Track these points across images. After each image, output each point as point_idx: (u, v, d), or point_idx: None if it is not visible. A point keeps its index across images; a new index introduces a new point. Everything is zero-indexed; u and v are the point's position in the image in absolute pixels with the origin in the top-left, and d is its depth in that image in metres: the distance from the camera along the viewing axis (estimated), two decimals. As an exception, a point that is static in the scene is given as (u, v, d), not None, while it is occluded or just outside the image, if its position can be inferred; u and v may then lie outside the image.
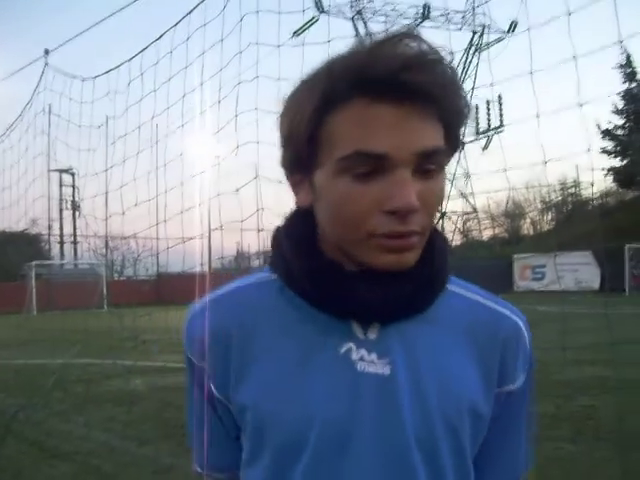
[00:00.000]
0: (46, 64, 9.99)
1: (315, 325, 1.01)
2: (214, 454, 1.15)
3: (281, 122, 1.01)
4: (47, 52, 10.10)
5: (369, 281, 0.97)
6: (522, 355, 1.07)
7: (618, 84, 42.08)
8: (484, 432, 1.05)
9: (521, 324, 1.09)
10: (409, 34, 0.92)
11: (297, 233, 1.05)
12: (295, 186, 1.04)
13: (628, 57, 41.51)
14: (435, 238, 1.03)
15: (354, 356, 0.99)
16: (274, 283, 1.06)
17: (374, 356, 0.98)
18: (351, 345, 0.99)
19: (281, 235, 1.08)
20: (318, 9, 39.87)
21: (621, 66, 41.49)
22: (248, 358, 1.03)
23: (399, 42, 0.90)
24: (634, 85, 43.22)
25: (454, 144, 0.98)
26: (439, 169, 0.95)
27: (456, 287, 1.10)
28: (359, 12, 44.16)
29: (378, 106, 0.89)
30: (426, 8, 42.75)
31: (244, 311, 1.05)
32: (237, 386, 1.02)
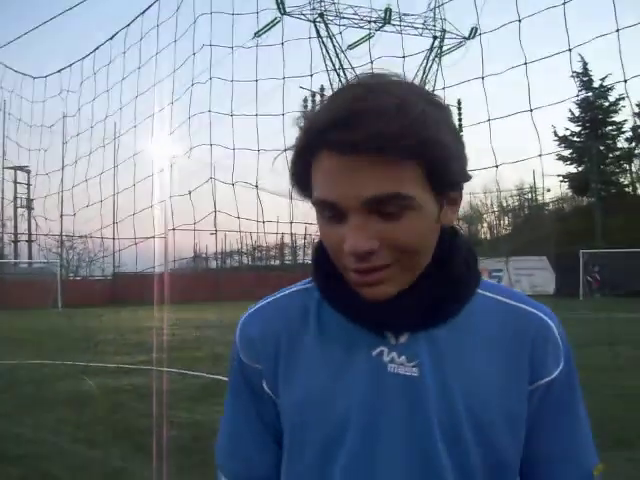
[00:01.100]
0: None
1: (351, 332, 1.09)
2: (253, 464, 1.19)
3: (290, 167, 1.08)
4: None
5: (391, 300, 1.02)
6: (552, 350, 1.10)
7: (574, 92, 42.78)
8: (522, 430, 1.08)
9: (549, 321, 1.12)
10: (361, 83, 0.98)
11: (326, 253, 1.10)
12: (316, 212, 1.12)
13: (584, 65, 42.30)
14: (456, 245, 1.09)
15: (385, 358, 1.06)
16: (315, 292, 1.15)
17: (404, 358, 1.05)
18: (383, 349, 1.07)
19: (317, 251, 1.16)
20: (280, 11, 39.89)
21: (577, 74, 42.21)
22: (293, 361, 1.12)
23: (347, 93, 0.97)
24: (590, 93, 43.99)
25: (441, 180, 0.98)
26: (410, 208, 0.96)
27: (486, 290, 1.13)
28: (321, 15, 44.24)
29: (336, 157, 0.95)
30: (387, 12, 43.01)
31: (292, 314, 1.16)
32: (285, 387, 1.11)
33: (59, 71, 7.93)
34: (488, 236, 57.72)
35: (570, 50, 4.08)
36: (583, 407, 1.15)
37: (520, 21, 4.11)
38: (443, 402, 1.03)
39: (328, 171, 0.97)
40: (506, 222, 58.02)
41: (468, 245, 1.13)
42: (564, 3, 3.96)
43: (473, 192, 50.12)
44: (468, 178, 1.05)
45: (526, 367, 1.07)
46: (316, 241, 1.19)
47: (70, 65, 7.69)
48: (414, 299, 1.04)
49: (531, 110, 4.14)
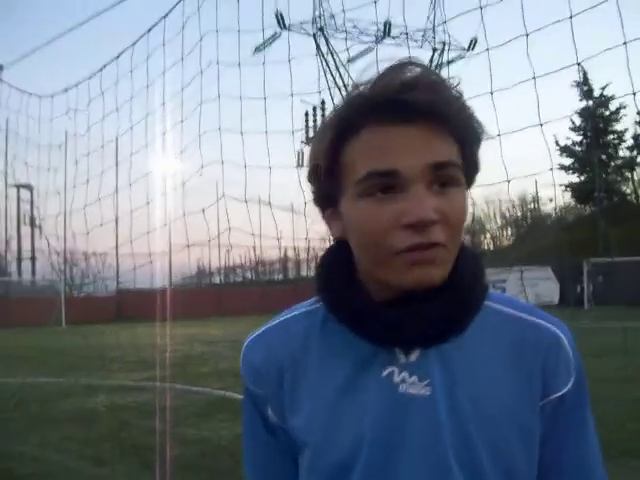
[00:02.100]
0: (1, 80, 9.85)
1: (359, 351, 1.05)
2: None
3: (310, 160, 1.07)
4: (1, 68, 9.96)
5: (406, 307, 1.00)
6: (564, 363, 1.07)
7: (575, 101, 42.84)
8: (536, 445, 1.05)
9: (561, 334, 1.09)
10: (412, 62, 0.99)
11: (336, 264, 1.11)
12: (328, 221, 1.10)
13: (585, 75, 42.37)
14: (462, 257, 1.05)
15: (396, 378, 1.03)
16: (320, 311, 1.12)
17: (415, 378, 1.02)
18: (393, 368, 1.03)
19: (323, 266, 1.13)
20: (280, 25, 40.03)
21: (578, 84, 42.28)
22: (299, 385, 1.09)
23: (401, 68, 0.97)
24: (591, 102, 44.06)
25: (471, 163, 1.02)
26: (457, 184, 0.98)
27: (495, 303, 1.11)
28: (321, 29, 44.40)
29: (387, 128, 0.95)
30: (387, 25, 43.10)
31: (294, 341, 1.12)
32: (291, 412, 1.09)
33: (65, 90, 7.98)
34: (491, 247, 57.73)
35: (579, 64, 4.08)
36: (592, 420, 1.13)
37: (527, 35, 4.12)
38: (455, 421, 1.00)
39: (384, 140, 0.95)
40: (509, 233, 58.04)
41: (475, 256, 1.11)
42: (570, 17, 3.96)
43: (475, 203, 50.16)
44: (474, 180, 1.08)
45: (538, 381, 1.05)
46: (321, 255, 1.17)
47: (77, 85, 7.75)
48: (427, 310, 1.00)
49: (541, 125, 4.14)
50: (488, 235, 59.76)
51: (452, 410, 1.01)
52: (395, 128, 0.95)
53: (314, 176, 1.06)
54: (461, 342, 1.04)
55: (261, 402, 1.13)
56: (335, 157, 1.01)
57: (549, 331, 1.09)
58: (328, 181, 1.03)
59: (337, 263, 1.11)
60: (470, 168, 1.02)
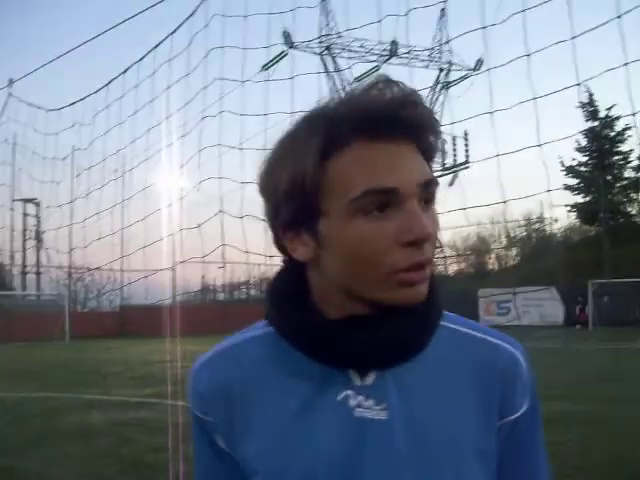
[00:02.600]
0: (10, 94, 9.91)
1: (312, 375, 1.01)
2: None
3: (275, 178, 0.99)
4: (11, 82, 10.01)
5: (361, 328, 0.98)
6: (521, 385, 1.06)
7: (580, 122, 42.90)
8: (494, 466, 1.04)
9: (517, 354, 1.08)
10: (387, 79, 0.97)
11: (289, 288, 1.06)
12: (292, 242, 1.02)
13: (590, 96, 42.48)
14: None
15: (352, 403, 0.99)
16: (270, 336, 1.07)
17: (371, 402, 0.99)
18: (348, 392, 1.00)
19: (274, 289, 1.09)
20: (287, 44, 40.27)
21: (583, 105, 42.37)
22: (249, 412, 1.04)
23: (383, 86, 0.95)
24: (596, 123, 44.14)
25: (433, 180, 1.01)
26: (434, 201, 0.98)
27: (449, 322, 1.09)
28: (328, 48, 44.70)
29: (377, 145, 0.93)
30: (394, 45, 43.37)
31: (244, 365, 1.07)
32: (242, 440, 1.04)
33: (72, 104, 8.00)
34: (496, 267, 57.67)
35: (579, 84, 4.08)
36: (542, 438, 1.13)
37: (529, 56, 4.11)
38: (414, 445, 0.97)
39: (380, 157, 0.93)
40: (514, 253, 57.96)
41: (432, 274, 1.07)
42: (572, 38, 3.96)
43: (481, 223, 50.19)
44: None
45: (496, 402, 1.04)
46: (271, 277, 1.13)
47: (83, 99, 7.76)
48: (382, 332, 0.98)
49: (540, 145, 4.13)
50: (493, 255, 59.72)
51: (410, 434, 0.98)
52: (386, 144, 0.93)
53: (291, 196, 0.97)
54: (418, 363, 1.01)
55: (210, 429, 1.08)
56: (314, 175, 0.94)
57: (507, 351, 1.07)
58: (300, 201, 0.96)
59: (289, 287, 1.06)
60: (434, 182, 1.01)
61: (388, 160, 0.93)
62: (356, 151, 0.93)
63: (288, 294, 1.05)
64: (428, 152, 0.98)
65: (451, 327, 1.08)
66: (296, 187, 0.96)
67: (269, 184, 1.00)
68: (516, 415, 1.05)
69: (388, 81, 0.96)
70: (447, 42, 43.07)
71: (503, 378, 1.05)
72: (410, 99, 0.94)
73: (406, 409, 0.99)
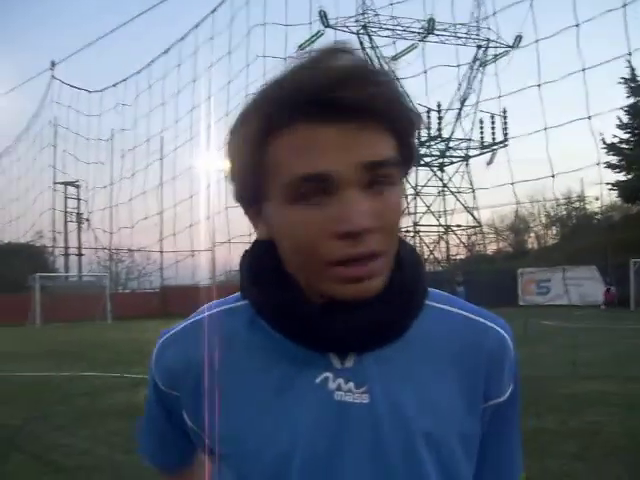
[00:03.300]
0: (52, 76, 10.04)
1: (290, 356, 0.97)
2: (163, 457, 1.23)
3: (227, 155, 0.97)
4: (53, 64, 10.16)
5: (340, 311, 0.93)
6: (508, 367, 1.03)
7: (622, 98, 42.06)
8: (476, 449, 1.02)
9: (505, 335, 1.04)
10: (343, 48, 0.90)
11: (265, 261, 1.00)
12: (253, 219, 1.01)
13: (633, 71, 41.58)
14: (402, 254, 0.99)
15: (331, 386, 0.95)
16: (246, 310, 1.02)
17: (351, 385, 0.95)
18: (328, 374, 0.96)
19: (250, 262, 1.04)
20: (323, 23, 40.07)
21: (625, 80, 41.51)
22: (223, 390, 0.99)
23: (329, 57, 0.88)
24: (639, 99, 43.20)
25: (408, 155, 0.94)
26: (392, 183, 0.90)
27: (436, 302, 1.04)
28: (364, 27, 44.34)
29: (319, 127, 0.86)
30: (431, 22, 42.88)
31: (217, 340, 1.01)
32: (212, 418, 0.99)
33: (114, 85, 8.12)
34: (535, 246, 57.06)
35: (630, 54, 4.02)
36: (518, 422, 1.11)
37: (578, 26, 4.06)
38: (397, 428, 0.93)
39: (313, 140, 0.86)
40: (554, 232, 57.30)
41: (414, 252, 1.05)
42: (624, 5, 3.90)
43: (520, 202, 49.63)
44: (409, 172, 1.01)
45: (481, 384, 1.00)
46: (246, 249, 1.07)
47: (125, 79, 7.87)
48: (361, 315, 0.93)
49: (589, 117, 4.10)
50: (532, 234, 59.12)
51: (394, 416, 0.94)
52: (324, 127, 0.86)
53: (234, 175, 0.97)
54: (401, 345, 0.97)
55: (172, 403, 1.05)
56: (257, 157, 0.91)
57: (493, 332, 1.03)
58: (249, 182, 0.94)
59: (265, 260, 1.00)
60: (406, 160, 0.94)
61: (324, 143, 0.86)
62: (293, 134, 0.87)
63: (264, 269, 1.00)
64: (395, 128, 0.90)
65: (438, 306, 1.04)
66: (241, 170, 0.95)
67: (227, 162, 0.98)
68: (501, 399, 1.03)
69: (337, 51, 0.89)
70: (486, 18, 42.38)
71: (490, 360, 1.01)
72: (356, 74, 0.86)
73: (388, 392, 0.95)
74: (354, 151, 0.86)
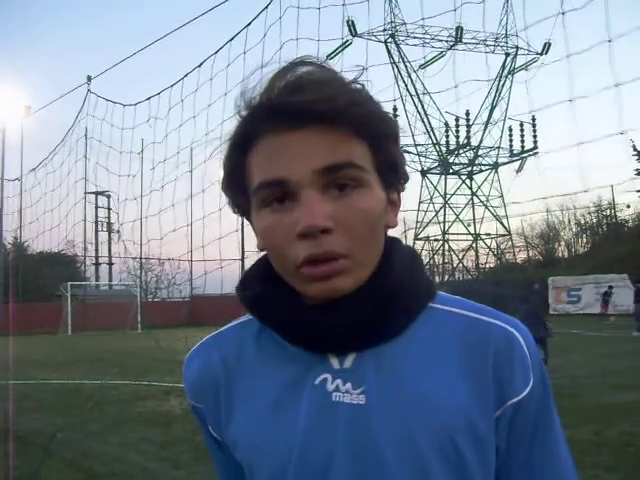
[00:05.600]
0: (89, 90, 10.19)
1: (293, 360, 1.00)
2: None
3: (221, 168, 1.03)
4: (90, 79, 10.32)
5: (329, 313, 0.95)
6: (520, 362, 0.99)
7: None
8: (491, 455, 0.97)
9: (514, 331, 1.00)
10: (304, 61, 0.95)
11: (259, 272, 1.06)
12: (253, 229, 1.04)
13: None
14: (393, 255, 1.01)
15: (329, 387, 0.97)
16: (255, 322, 1.06)
17: (349, 386, 0.96)
18: (326, 376, 0.97)
19: (247, 273, 1.10)
20: (351, 33, 40.14)
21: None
22: (233, 396, 1.04)
23: (289, 70, 0.93)
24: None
25: (385, 159, 0.96)
26: (360, 185, 0.92)
27: (442, 304, 1.04)
28: (392, 35, 44.35)
29: (285, 136, 0.91)
30: (459, 31, 42.76)
31: (229, 351, 1.08)
32: (227, 424, 1.04)
33: (148, 99, 8.22)
34: (566, 254, 56.51)
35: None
36: (560, 430, 1.04)
37: (610, 41, 4.07)
38: (395, 429, 0.93)
39: (273, 149, 0.92)
40: (584, 240, 56.70)
41: (413, 253, 1.06)
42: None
43: (549, 210, 49.23)
44: (407, 177, 1.03)
45: (490, 385, 0.97)
46: (247, 268, 1.12)
47: (159, 93, 7.97)
48: (350, 313, 0.94)
49: (622, 133, 4.09)
50: (562, 243, 58.57)
51: (392, 417, 0.94)
52: (289, 135, 0.90)
53: (222, 187, 1.03)
54: (400, 346, 0.98)
55: (202, 416, 1.10)
56: (237, 169, 0.97)
57: (500, 329, 1.01)
58: (236, 193, 1.01)
59: (260, 269, 1.07)
60: (384, 166, 0.96)
61: (282, 150, 0.91)
62: (261, 144, 0.93)
63: (262, 281, 1.05)
64: (364, 134, 0.93)
65: (442, 309, 1.03)
66: (228, 184, 1.01)
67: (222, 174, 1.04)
68: (516, 399, 0.98)
69: (299, 64, 0.94)
70: (514, 33, 42.17)
71: (498, 358, 0.98)
72: (309, 80, 0.91)
73: (386, 394, 0.95)
74: (311, 156, 0.90)
